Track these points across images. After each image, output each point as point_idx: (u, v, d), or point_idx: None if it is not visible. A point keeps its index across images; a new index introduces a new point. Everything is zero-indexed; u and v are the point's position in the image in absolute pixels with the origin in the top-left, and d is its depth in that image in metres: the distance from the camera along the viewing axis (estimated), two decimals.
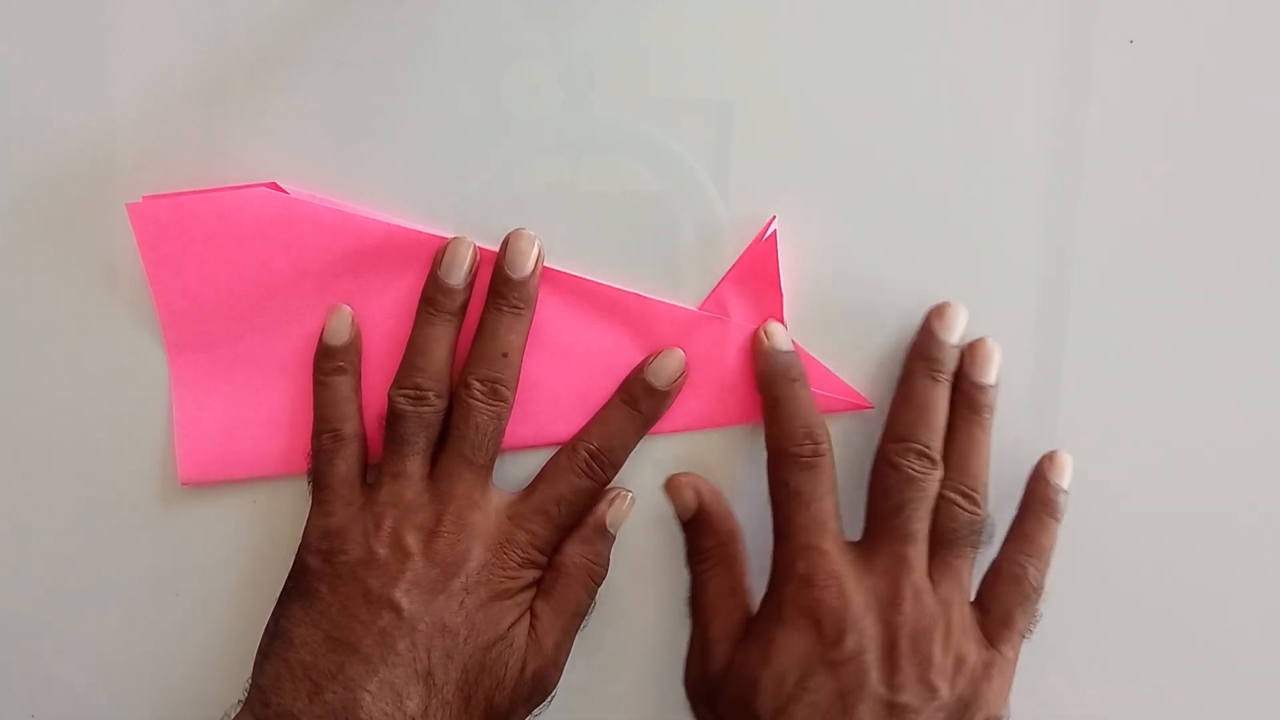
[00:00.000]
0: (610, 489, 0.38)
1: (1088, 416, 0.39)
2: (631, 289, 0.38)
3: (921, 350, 0.38)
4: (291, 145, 0.37)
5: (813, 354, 0.38)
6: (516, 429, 0.38)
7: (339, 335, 0.37)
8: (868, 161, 0.38)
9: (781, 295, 0.38)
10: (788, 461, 0.36)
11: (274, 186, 0.37)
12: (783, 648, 0.35)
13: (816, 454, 0.36)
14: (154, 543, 0.39)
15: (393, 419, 0.36)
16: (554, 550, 0.37)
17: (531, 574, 0.37)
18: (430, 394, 0.36)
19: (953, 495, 0.36)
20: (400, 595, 0.34)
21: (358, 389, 0.37)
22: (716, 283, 0.38)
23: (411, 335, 0.37)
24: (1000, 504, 0.38)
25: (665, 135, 0.37)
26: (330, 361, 0.37)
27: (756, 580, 0.38)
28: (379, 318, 0.37)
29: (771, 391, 0.37)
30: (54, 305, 0.38)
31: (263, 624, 0.36)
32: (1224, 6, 0.37)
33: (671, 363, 0.37)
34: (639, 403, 0.37)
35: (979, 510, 0.37)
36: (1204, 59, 0.38)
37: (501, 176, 0.38)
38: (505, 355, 0.36)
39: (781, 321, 0.38)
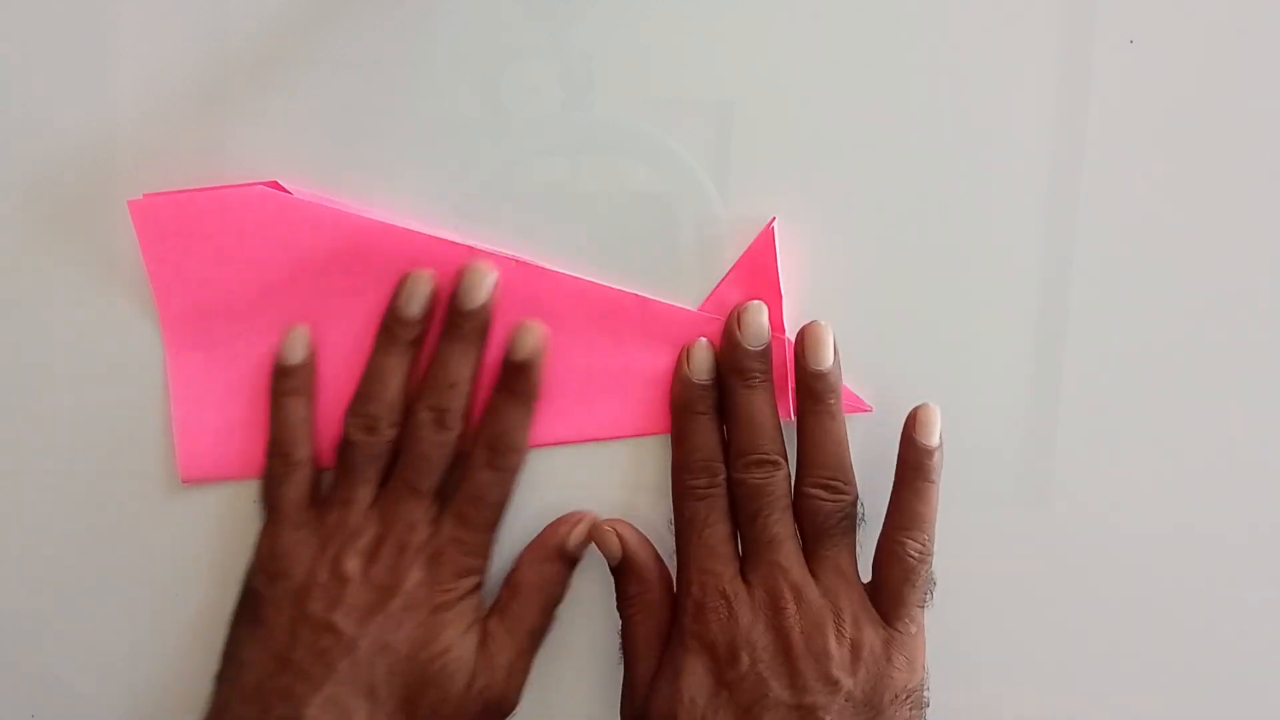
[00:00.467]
0: (573, 513, 0.38)
1: (1088, 417, 0.39)
2: (631, 289, 0.38)
3: (729, 365, 0.37)
4: (292, 145, 0.37)
5: None
6: None
7: (293, 355, 0.37)
8: (868, 162, 0.38)
9: (781, 296, 0.38)
10: (684, 491, 0.37)
11: (275, 185, 0.37)
12: (689, 675, 0.36)
13: (711, 486, 0.37)
14: (155, 542, 0.39)
15: (344, 447, 0.37)
16: (486, 551, 0.38)
17: (469, 582, 0.37)
18: (382, 423, 0.37)
19: (811, 490, 0.36)
20: (339, 618, 0.35)
21: (312, 410, 0.38)
22: (716, 283, 0.38)
23: (369, 362, 0.37)
24: (1000, 503, 0.38)
25: (665, 135, 0.37)
26: (284, 382, 0.37)
27: None
28: (376, 317, 0.37)
29: (678, 421, 0.38)
30: (55, 302, 0.38)
31: None
32: (1224, 6, 0.37)
33: (529, 337, 0.37)
34: (512, 384, 0.37)
35: (842, 496, 0.36)
36: (1204, 59, 0.38)
37: (501, 176, 0.38)
38: (453, 385, 0.37)
39: (781, 322, 0.38)
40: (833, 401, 0.37)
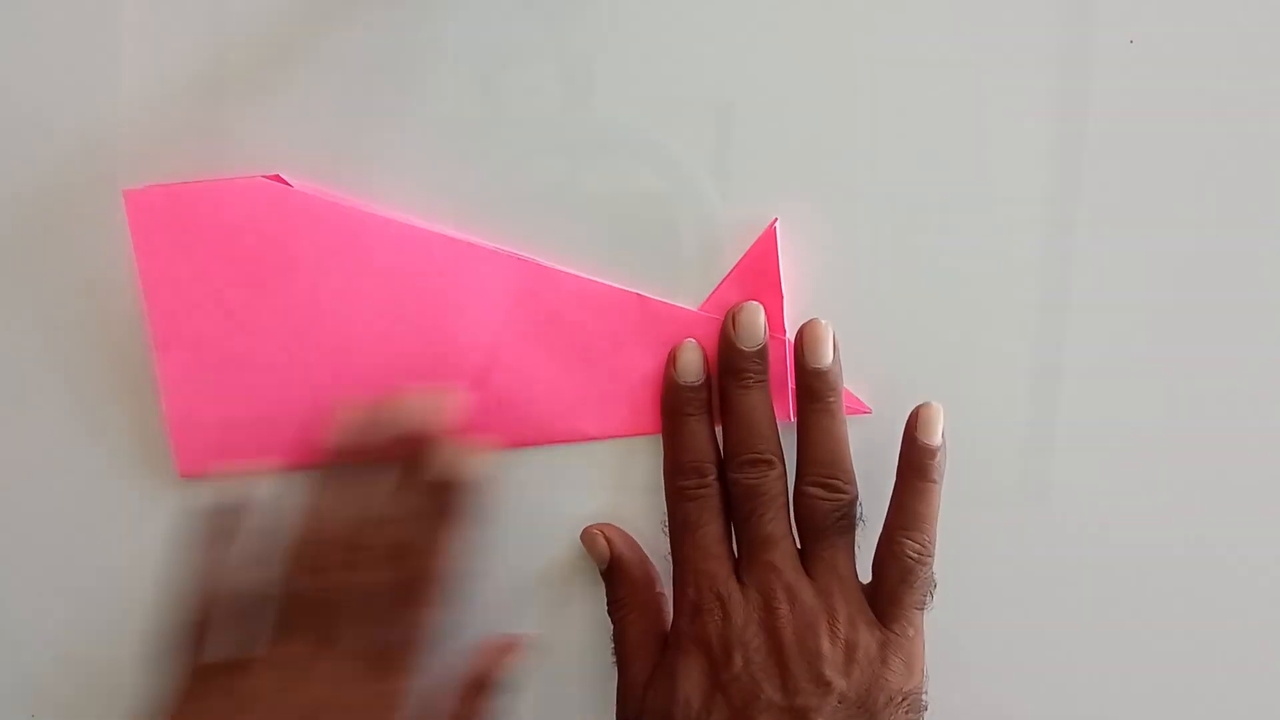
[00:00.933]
0: (502, 636, 0.38)
1: (1088, 418, 0.39)
2: (631, 289, 0.38)
3: (724, 366, 0.37)
4: (291, 145, 0.37)
5: None
6: (517, 429, 0.38)
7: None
8: (867, 163, 0.38)
9: (782, 297, 0.38)
10: (675, 492, 0.37)
11: (277, 179, 0.37)
12: (684, 676, 0.36)
13: (701, 486, 0.37)
14: (155, 541, 0.39)
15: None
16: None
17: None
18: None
19: (809, 489, 0.36)
20: None
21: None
22: (716, 284, 0.38)
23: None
24: (1000, 504, 0.38)
25: (665, 135, 0.38)
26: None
27: None
28: (371, 313, 0.37)
29: (669, 423, 0.38)
30: (56, 300, 0.38)
31: None
32: (1224, 6, 0.37)
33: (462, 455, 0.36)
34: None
35: (840, 495, 0.36)
36: (1204, 59, 0.37)
37: (501, 176, 0.38)
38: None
39: (781, 323, 0.38)
40: (832, 400, 0.37)
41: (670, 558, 0.38)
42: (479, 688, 0.37)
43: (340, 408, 0.36)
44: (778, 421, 0.37)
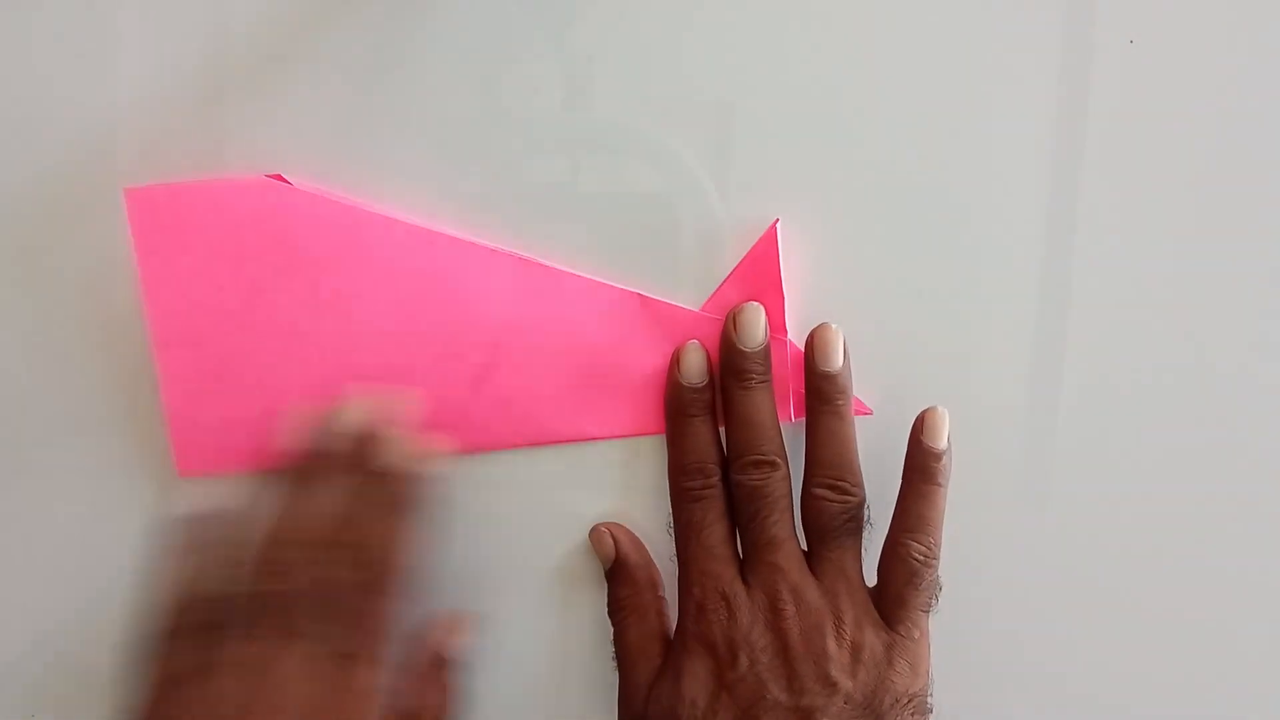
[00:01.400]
0: (450, 612, 0.38)
1: (1089, 420, 0.39)
2: (632, 290, 0.38)
3: (726, 367, 0.37)
4: (291, 145, 0.37)
5: None
6: (517, 429, 0.38)
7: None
8: (868, 162, 0.38)
9: (783, 297, 0.38)
10: (680, 494, 0.37)
11: (277, 178, 0.37)
12: (690, 677, 0.35)
13: (706, 487, 0.37)
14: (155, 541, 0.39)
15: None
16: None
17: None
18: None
19: (817, 490, 0.36)
20: None
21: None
22: (716, 284, 0.38)
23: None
24: (1001, 506, 0.38)
25: (665, 135, 0.38)
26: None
27: None
28: (371, 312, 0.37)
29: (673, 424, 0.38)
30: (56, 300, 0.38)
31: None
32: (1224, 6, 0.37)
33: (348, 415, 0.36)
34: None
35: (848, 497, 0.36)
36: (1204, 59, 0.37)
37: (501, 176, 0.38)
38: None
39: (783, 324, 0.38)
40: (841, 403, 0.37)
41: (675, 559, 0.38)
42: (437, 668, 0.37)
43: (294, 414, 0.36)
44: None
